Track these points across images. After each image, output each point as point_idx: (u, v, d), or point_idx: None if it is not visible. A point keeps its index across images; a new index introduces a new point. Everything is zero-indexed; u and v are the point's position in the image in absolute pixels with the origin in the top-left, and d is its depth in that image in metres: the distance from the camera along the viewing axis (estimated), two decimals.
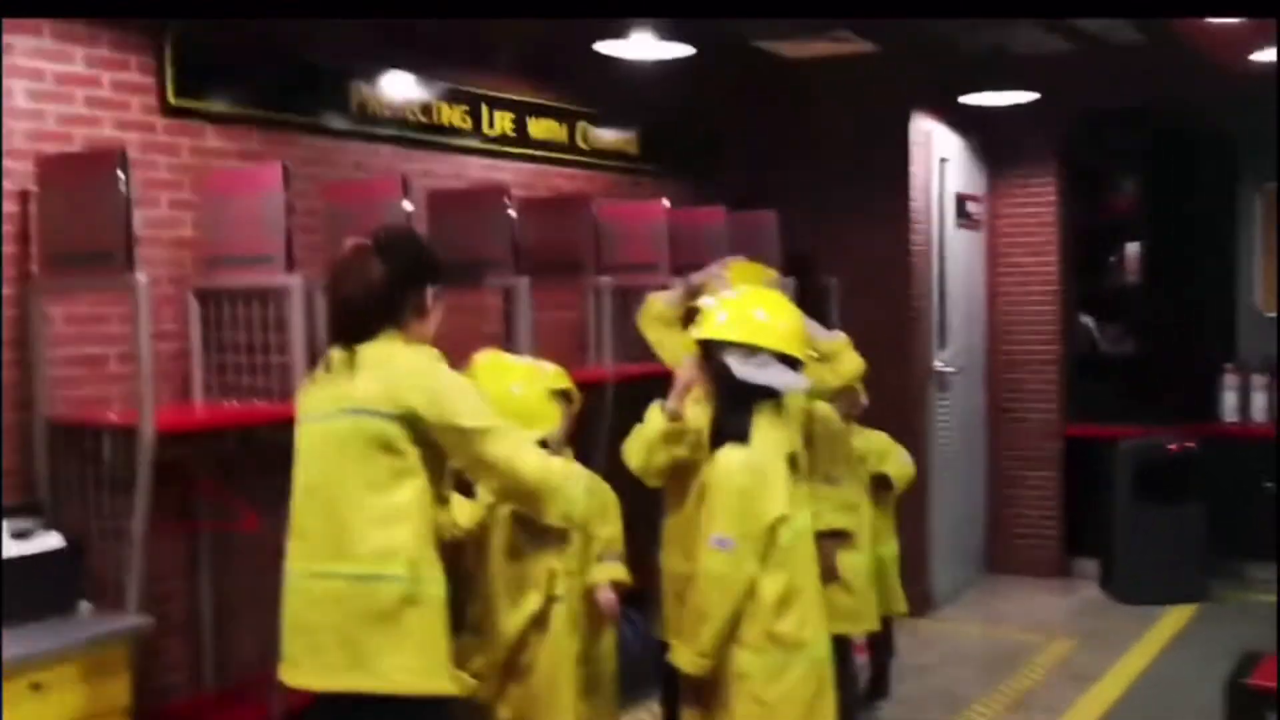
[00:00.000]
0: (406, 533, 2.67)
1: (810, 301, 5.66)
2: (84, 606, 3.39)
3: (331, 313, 2.86)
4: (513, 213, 4.52)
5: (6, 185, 3.63)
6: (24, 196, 3.67)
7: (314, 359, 3.82)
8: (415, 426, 2.66)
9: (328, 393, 2.74)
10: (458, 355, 3.14)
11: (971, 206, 7.24)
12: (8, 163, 3.62)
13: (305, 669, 2.70)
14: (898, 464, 4.93)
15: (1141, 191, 7.28)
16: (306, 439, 2.79)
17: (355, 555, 2.64)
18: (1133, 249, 7.27)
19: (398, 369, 2.70)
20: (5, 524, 3.33)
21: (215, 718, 3.96)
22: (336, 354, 2.79)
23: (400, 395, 2.65)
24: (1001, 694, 5.39)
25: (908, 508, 5.28)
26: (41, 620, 3.25)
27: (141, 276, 3.40)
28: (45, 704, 3.04)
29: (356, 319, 2.76)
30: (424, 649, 2.69)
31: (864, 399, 4.81)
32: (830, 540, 4.21)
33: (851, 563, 4.39)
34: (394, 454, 2.67)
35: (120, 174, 3.41)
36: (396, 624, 2.64)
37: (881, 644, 5.18)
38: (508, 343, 4.62)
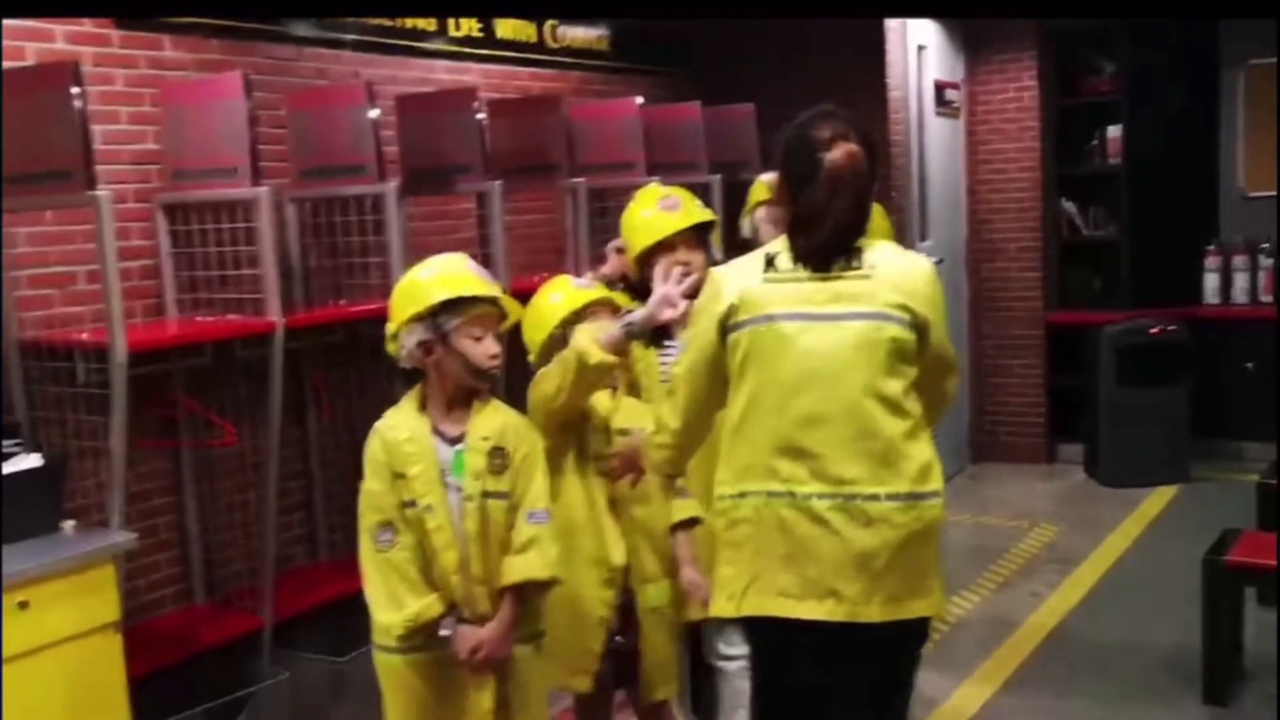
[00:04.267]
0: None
1: None
2: (68, 525, 3.40)
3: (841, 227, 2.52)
4: (482, 115, 4.45)
5: None
6: None
7: (286, 270, 3.80)
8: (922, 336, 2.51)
9: (827, 292, 2.49)
10: None
11: (950, 94, 7.15)
12: None
13: (851, 602, 2.44)
14: None
15: (1121, 73, 7.18)
16: (806, 340, 2.46)
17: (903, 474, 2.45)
18: (1114, 131, 7.19)
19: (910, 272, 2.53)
20: None
21: (206, 630, 3.99)
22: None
23: (912, 302, 2.49)
24: (988, 579, 5.46)
25: None
26: (26, 540, 3.26)
27: (103, 192, 3.35)
28: (33, 620, 3.05)
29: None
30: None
31: None
32: None
33: None
34: (909, 363, 2.50)
35: (75, 89, 3.33)
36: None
37: None
38: (482, 248, 4.59)
